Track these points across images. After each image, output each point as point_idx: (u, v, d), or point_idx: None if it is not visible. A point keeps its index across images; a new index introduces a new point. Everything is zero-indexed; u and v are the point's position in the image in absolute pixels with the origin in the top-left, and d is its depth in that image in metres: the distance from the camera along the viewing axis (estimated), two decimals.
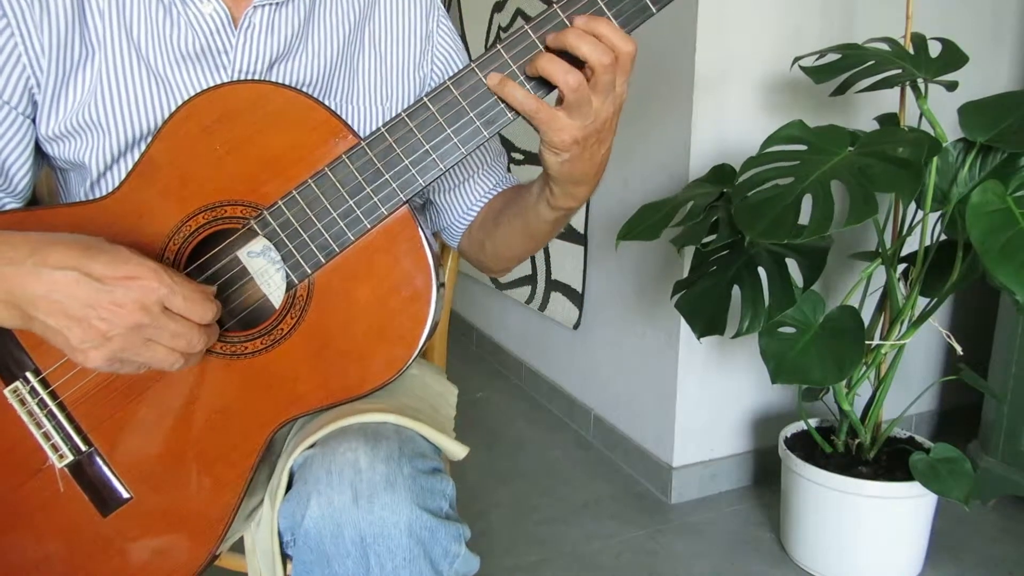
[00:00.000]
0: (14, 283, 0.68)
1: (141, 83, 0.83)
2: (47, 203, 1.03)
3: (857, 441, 1.67)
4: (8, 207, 0.86)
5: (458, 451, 0.85)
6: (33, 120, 0.84)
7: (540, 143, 0.77)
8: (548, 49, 0.73)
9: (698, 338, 1.55)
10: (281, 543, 0.81)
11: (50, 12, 0.80)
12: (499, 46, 0.74)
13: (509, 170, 1.07)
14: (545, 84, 0.74)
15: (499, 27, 2.58)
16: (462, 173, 1.01)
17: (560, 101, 0.74)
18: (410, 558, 0.73)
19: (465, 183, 1.01)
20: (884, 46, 1.53)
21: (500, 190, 1.03)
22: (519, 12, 2.45)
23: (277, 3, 0.86)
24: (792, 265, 1.53)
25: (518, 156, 2.56)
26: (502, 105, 0.75)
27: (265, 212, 0.77)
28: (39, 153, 0.87)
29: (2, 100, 0.81)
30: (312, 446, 0.78)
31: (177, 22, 0.84)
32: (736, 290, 1.54)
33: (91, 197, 0.87)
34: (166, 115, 0.79)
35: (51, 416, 0.78)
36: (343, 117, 0.85)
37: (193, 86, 0.84)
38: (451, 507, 0.79)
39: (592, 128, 0.75)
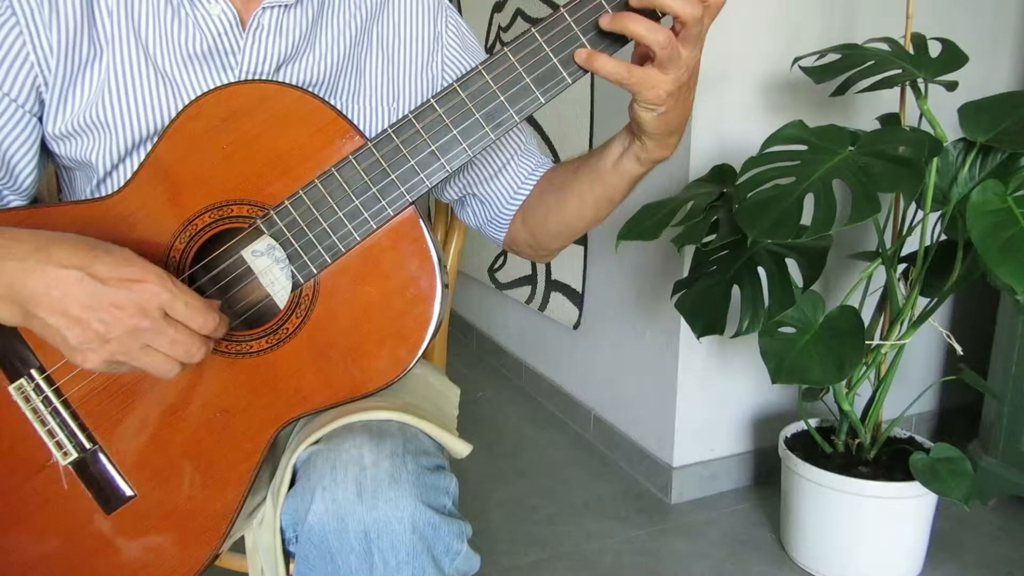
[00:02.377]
0: (16, 279, 0.67)
1: (148, 83, 0.83)
2: (46, 202, 1.03)
3: (857, 441, 1.67)
4: (12, 204, 0.87)
5: (461, 449, 0.86)
6: (40, 118, 0.84)
7: (632, 102, 0.77)
8: (632, 8, 0.73)
9: (698, 338, 1.55)
10: (283, 541, 0.81)
11: (59, 11, 0.80)
12: (505, 49, 0.75)
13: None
14: (612, 43, 0.75)
15: (499, 27, 2.58)
16: (501, 158, 0.99)
17: (643, 60, 0.74)
18: (413, 554, 0.73)
19: (506, 167, 0.99)
20: (884, 46, 1.53)
21: (543, 171, 1.01)
22: (519, 12, 2.45)
23: (286, 5, 0.86)
24: (792, 265, 1.53)
25: None
26: (510, 109, 0.76)
27: (271, 212, 0.77)
28: (44, 151, 0.87)
29: (9, 98, 0.81)
30: (316, 443, 0.78)
31: (185, 23, 0.84)
32: (736, 290, 1.54)
33: (97, 196, 0.87)
34: (172, 115, 0.79)
35: (55, 413, 0.78)
36: (349, 117, 0.85)
37: (200, 87, 0.84)
38: (454, 504, 0.79)
39: (684, 78, 0.74)
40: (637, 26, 0.71)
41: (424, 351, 0.79)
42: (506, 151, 0.99)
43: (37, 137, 0.84)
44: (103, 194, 0.84)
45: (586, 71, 0.75)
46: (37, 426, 0.78)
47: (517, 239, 1.02)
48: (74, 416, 0.78)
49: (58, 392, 0.78)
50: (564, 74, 0.75)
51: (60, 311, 0.67)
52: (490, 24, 2.63)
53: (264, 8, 0.85)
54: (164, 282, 0.68)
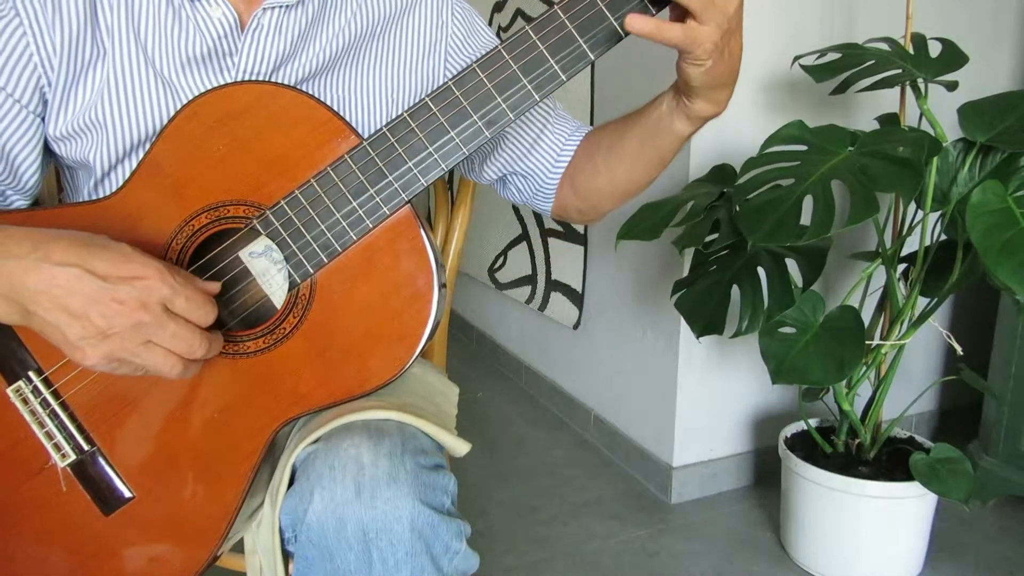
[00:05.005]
0: (15, 277, 0.68)
1: (146, 85, 0.83)
2: (47, 202, 1.03)
3: (857, 441, 1.67)
4: (15, 204, 0.87)
5: (460, 447, 0.86)
6: (42, 118, 0.84)
7: (679, 61, 0.76)
8: None
9: (697, 337, 1.55)
10: (282, 541, 0.81)
11: (62, 12, 0.80)
12: (499, 46, 0.75)
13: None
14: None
15: (499, 27, 2.58)
16: (533, 130, 0.98)
17: (682, 16, 0.73)
18: (412, 553, 0.73)
19: (541, 137, 0.99)
20: (884, 46, 1.53)
21: (581, 134, 1.00)
22: (519, 12, 2.45)
23: (287, 5, 0.86)
24: (792, 265, 1.53)
25: None
26: (503, 106, 0.76)
27: (268, 212, 0.77)
28: (47, 151, 0.87)
29: (13, 98, 0.81)
30: (315, 442, 0.78)
31: (185, 25, 0.84)
32: (736, 290, 1.54)
33: (96, 195, 0.87)
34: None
35: (53, 415, 0.78)
36: (349, 108, 0.84)
37: (198, 89, 0.84)
38: (452, 503, 0.79)
39: (725, 26, 0.73)
40: None
41: (422, 350, 0.79)
42: (536, 123, 0.98)
43: (41, 137, 0.84)
44: (101, 195, 0.84)
45: (590, 60, 0.75)
46: (35, 428, 0.78)
47: (567, 205, 1.01)
48: (72, 418, 0.78)
49: (56, 394, 0.78)
50: (557, 69, 0.75)
51: (60, 308, 0.67)
52: (490, 24, 2.62)
53: (265, 8, 0.85)
54: (164, 276, 0.69)
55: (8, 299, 0.68)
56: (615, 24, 0.74)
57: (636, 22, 0.72)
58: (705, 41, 0.73)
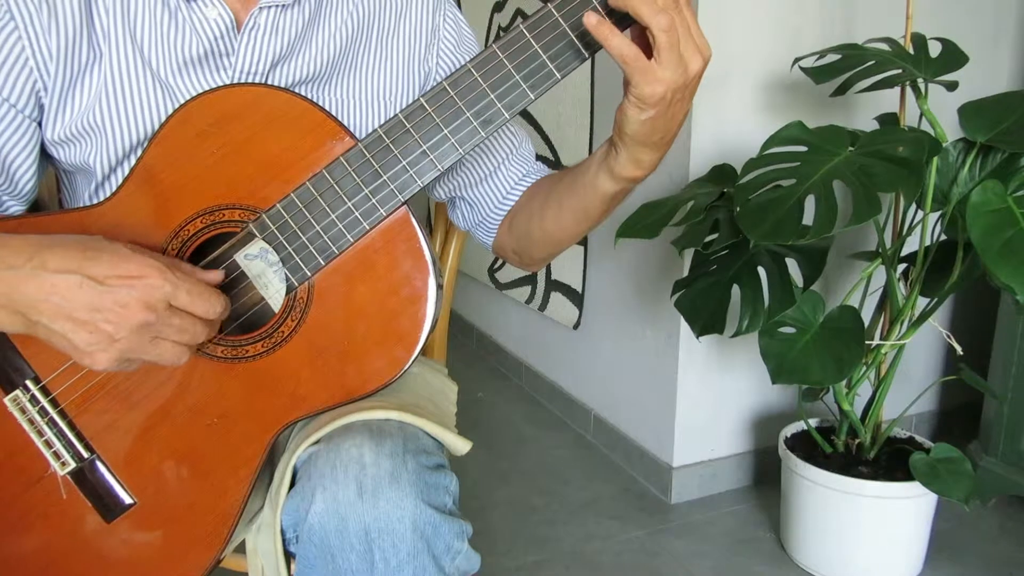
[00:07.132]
0: (14, 287, 0.67)
1: (144, 87, 0.83)
2: (46, 204, 1.02)
3: (857, 441, 1.67)
4: (11, 210, 0.86)
5: (461, 446, 0.86)
6: (39, 123, 0.83)
7: (625, 99, 0.73)
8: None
9: (697, 337, 1.55)
10: (284, 541, 0.81)
11: (58, 16, 0.80)
12: (494, 46, 0.74)
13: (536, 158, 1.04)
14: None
15: (499, 27, 2.57)
16: (491, 162, 0.99)
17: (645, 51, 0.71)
18: (414, 553, 0.73)
19: (496, 171, 0.99)
20: (884, 46, 1.53)
21: (535, 178, 1.00)
22: (519, 12, 2.45)
23: (284, 5, 0.85)
24: (792, 265, 1.53)
25: None
26: (499, 105, 0.76)
27: (263, 215, 0.77)
28: (43, 156, 0.86)
29: (9, 103, 0.80)
30: (316, 443, 0.78)
31: (182, 27, 0.83)
32: (736, 289, 1.54)
33: (96, 199, 0.86)
34: None
35: (52, 424, 0.77)
36: (346, 112, 0.84)
37: (195, 90, 0.84)
38: (454, 503, 0.79)
39: (681, 81, 0.71)
40: (643, 7, 0.68)
41: (421, 350, 0.79)
42: (497, 155, 0.99)
43: (37, 142, 0.84)
44: (102, 197, 0.84)
45: (584, 58, 0.74)
46: (34, 437, 0.77)
47: (503, 245, 1.01)
48: (71, 426, 0.78)
49: (54, 402, 0.77)
50: (552, 68, 0.75)
51: (64, 316, 0.67)
52: (490, 24, 2.62)
53: (261, 8, 0.84)
54: (164, 273, 0.69)
55: (8, 310, 0.68)
56: (602, 13, 0.73)
57: (592, 19, 0.70)
58: (657, 82, 0.70)
